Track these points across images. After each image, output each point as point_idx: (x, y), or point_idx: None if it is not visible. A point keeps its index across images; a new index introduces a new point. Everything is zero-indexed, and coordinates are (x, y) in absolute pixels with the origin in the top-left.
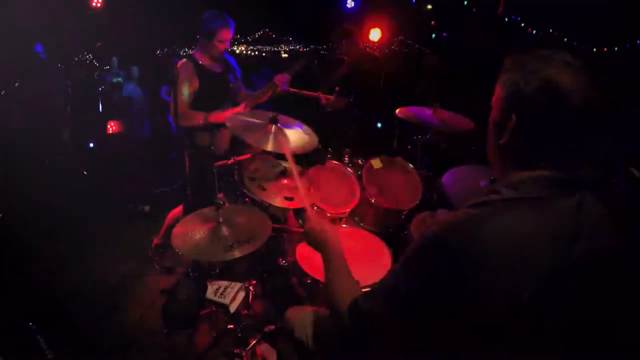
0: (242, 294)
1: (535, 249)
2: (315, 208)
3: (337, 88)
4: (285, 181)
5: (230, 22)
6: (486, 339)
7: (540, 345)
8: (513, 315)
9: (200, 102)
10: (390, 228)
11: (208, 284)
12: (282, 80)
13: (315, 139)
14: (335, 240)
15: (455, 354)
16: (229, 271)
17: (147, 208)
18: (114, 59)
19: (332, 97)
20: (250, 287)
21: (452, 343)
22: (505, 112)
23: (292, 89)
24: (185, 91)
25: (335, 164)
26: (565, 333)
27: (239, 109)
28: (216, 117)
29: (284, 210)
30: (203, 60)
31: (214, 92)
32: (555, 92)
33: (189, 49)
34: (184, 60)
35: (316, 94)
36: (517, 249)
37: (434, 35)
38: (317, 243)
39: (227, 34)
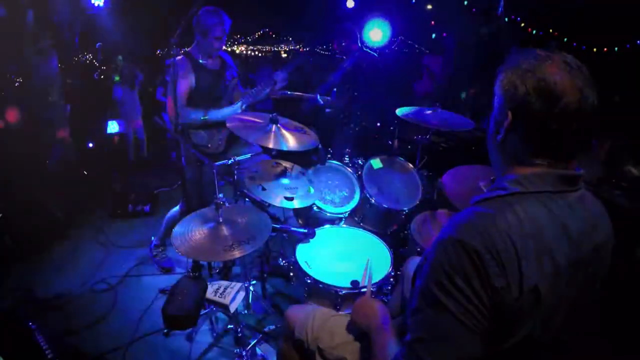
0: (242, 294)
1: (550, 243)
2: (316, 208)
3: (334, 89)
4: (285, 181)
5: (225, 18)
6: (502, 337)
7: (548, 340)
8: (534, 311)
9: (197, 99)
10: (390, 228)
11: (208, 284)
12: (280, 77)
13: (315, 139)
14: (378, 327)
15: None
16: (229, 271)
17: (147, 208)
18: (120, 58)
19: (329, 98)
20: (250, 287)
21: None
22: (502, 111)
23: (288, 93)
24: (183, 87)
25: (335, 164)
26: (569, 326)
27: (237, 106)
28: (215, 114)
29: (284, 210)
30: (199, 57)
31: (210, 89)
32: (550, 92)
33: (187, 48)
34: (181, 57)
35: (314, 95)
36: (534, 242)
37: (434, 35)
38: (363, 328)
39: (222, 31)
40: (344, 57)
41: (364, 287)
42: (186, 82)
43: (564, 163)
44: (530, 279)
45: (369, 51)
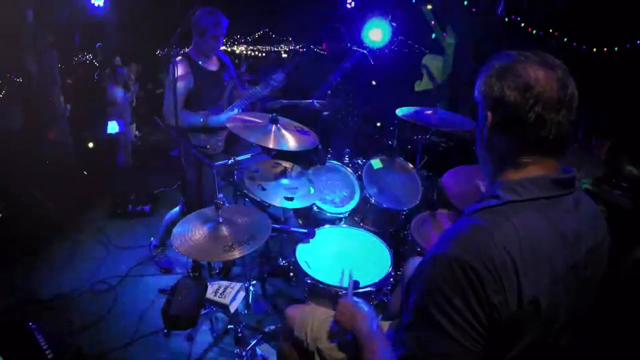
0: (242, 294)
1: (548, 251)
2: (316, 208)
3: (328, 91)
4: (285, 181)
5: (222, 18)
6: (503, 348)
7: (549, 346)
8: (534, 321)
9: (195, 100)
10: (390, 228)
11: (208, 284)
12: (278, 78)
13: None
14: (366, 331)
15: None
16: (228, 271)
17: (147, 208)
18: (117, 59)
19: (324, 101)
20: (250, 287)
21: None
22: (483, 113)
23: (285, 101)
24: (181, 89)
25: (335, 164)
26: (568, 331)
27: (234, 112)
28: (213, 120)
29: (284, 210)
30: (198, 58)
31: (209, 90)
32: (524, 83)
33: (187, 48)
34: (180, 58)
35: (309, 100)
36: (532, 253)
37: (434, 36)
38: (349, 331)
39: (219, 30)
40: (334, 58)
41: (364, 287)
42: (184, 84)
43: (552, 160)
44: (529, 292)
45: (358, 49)
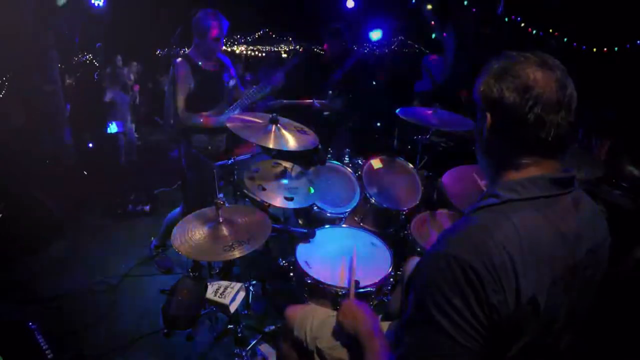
0: (242, 294)
1: (548, 251)
2: (316, 208)
3: (329, 91)
4: (285, 181)
5: (223, 20)
6: (503, 347)
7: (548, 346)
8: (533, 320)
9: (196, 101)
10: (390, 228)
11: (208, 284)
12: (277, 79)
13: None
14: (367, 332)
15: None
16: (229, 271)
17: (147, 208)
18: (119, 58)
19: (325, 101)
20: (250, 287)
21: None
22: (482, 115)
23: (285, 101)
24: (182, 91)
25: (335, 164)
26: (568, 331)
27: (235, 113)
28: (215, 120)
29: (284, 210)
30: (198, 59)
31: (209, 91)
32: (523, 84)
33: (188, 49)
34: (180, 59)
35: (310, 100)
36: (531, 253)
37: (434, 36)
38: (351, 334)
39: (220, 32)
40: (334, 58)
41: (364, 287)
42: (185, 86)
43: (552, 160)
44: (528, 291)
45: (359, 49)
